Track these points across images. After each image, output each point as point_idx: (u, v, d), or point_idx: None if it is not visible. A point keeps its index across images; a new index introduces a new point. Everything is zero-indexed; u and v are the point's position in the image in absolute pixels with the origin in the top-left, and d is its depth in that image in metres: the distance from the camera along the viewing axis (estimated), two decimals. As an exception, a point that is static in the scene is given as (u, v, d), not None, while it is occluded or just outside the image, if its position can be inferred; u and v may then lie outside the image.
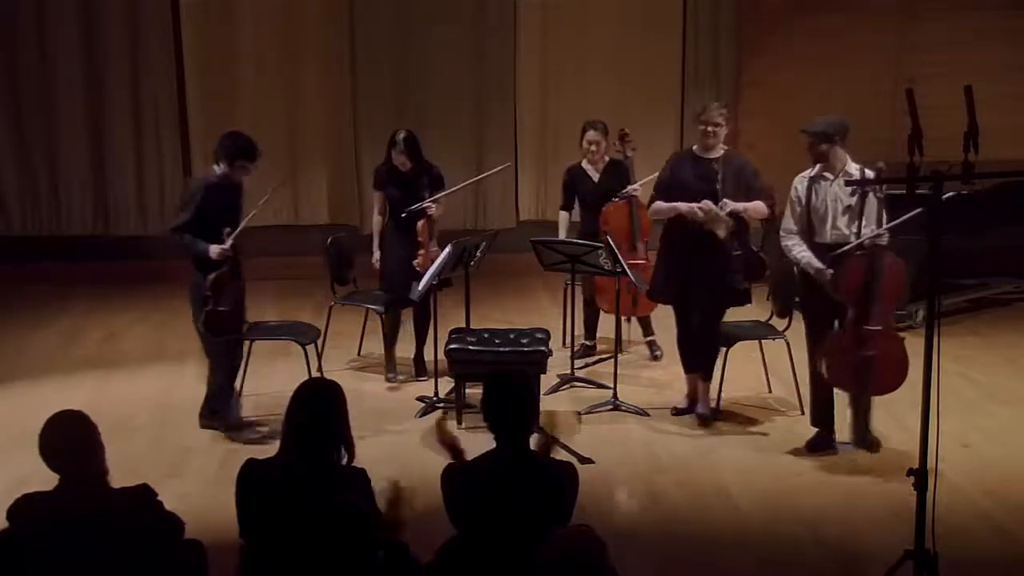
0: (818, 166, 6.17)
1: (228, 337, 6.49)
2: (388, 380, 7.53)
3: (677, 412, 6.96)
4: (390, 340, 7.62)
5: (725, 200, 6.42)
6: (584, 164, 7.82)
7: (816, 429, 6.46)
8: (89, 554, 3.64)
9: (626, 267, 6.98)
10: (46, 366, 7.96)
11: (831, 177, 6.13)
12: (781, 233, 6.32)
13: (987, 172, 6.40)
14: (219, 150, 6.47)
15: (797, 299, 6.56)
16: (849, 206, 6.09)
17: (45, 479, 3.78)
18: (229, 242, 6.33)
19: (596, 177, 7.77)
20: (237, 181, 6.51)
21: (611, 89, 10.37)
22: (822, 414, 6.43)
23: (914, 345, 5.60)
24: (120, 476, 3.92)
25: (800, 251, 6.22)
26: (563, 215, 7.91)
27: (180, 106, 10.24)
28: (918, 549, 4.42)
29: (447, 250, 6.90)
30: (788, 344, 6.97)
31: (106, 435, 3.87)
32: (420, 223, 7.25)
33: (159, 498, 3.85)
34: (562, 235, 7.79)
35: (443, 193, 7.45)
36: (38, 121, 10.18)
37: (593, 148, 7.72)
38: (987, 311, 9.03)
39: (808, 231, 6.21)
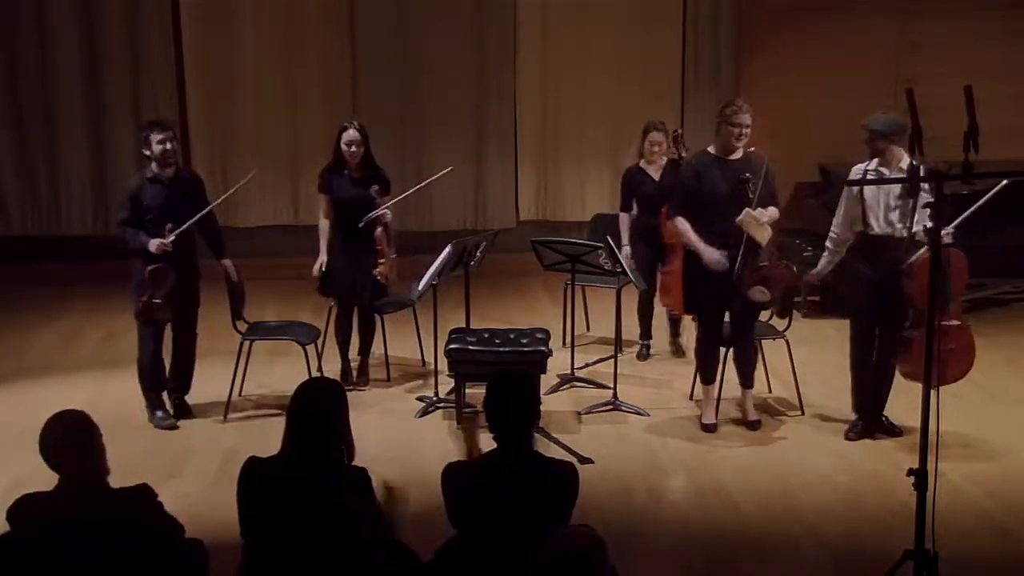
0: (875, 160, 6.21)
1: (156, 325, 6.72)
2: (348, 387, 6.99)
3: (708, 428, 6.71)
4: (344, 342, 7.46)
5: (760, 209, 6.30)
6: (642, 164, 7.79)
7: (856, 417, 6.55)
8: (89, 554, 3.63)
9: (626, 267, 6.98)
10: (46, 366, 7.97)
11: (886, 173, 6.14)
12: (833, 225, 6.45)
13: (987, 172, 6.41)
14: (140, 145, 6.75)
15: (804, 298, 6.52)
16: (901, 201, 6.12)
17: (45, 479, 3.78)
18: (170, 237, 6.50)
19: (656, 177, 7.73)
20: (177, 171, 6.69)
21: (611, 89, 10.38)
22: (866, 402, 6.49)
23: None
24: (120, 476, 3.91)
25: (826, 255, 6.44)
26: (623, 216, 7.83)
27: (180, 106, 10.23)
28: (918, 549, 4.42)
29: (447, 250, 6.89)
30: (788, 344, 6.97)
31: (106, 435, 3.87)
32: (378, 231, 7.13)
33: (159, 498, 3.85)
34: (624, 237, 7.72)
35: (396, 199, 7.34)
36: (38, 121, 10.17)
37: (656, 149, 7.70)
38: (987, 311, 9.02)
39: (856, 222, 6.28)
